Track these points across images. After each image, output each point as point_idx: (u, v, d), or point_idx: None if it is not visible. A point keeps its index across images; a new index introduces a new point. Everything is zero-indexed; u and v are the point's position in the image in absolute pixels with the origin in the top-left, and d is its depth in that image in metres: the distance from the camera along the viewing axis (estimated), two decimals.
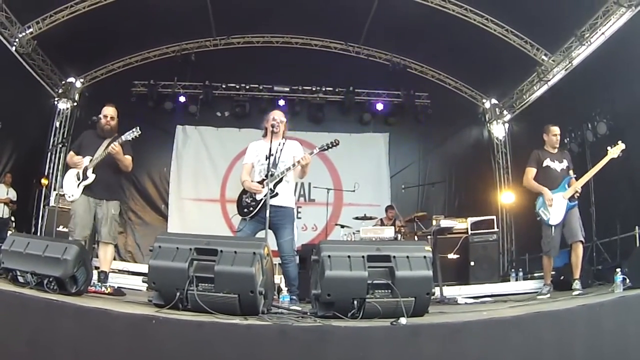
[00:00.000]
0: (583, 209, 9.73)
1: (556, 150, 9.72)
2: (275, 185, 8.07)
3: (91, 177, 8.65)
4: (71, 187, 8.72)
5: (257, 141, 8.70)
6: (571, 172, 9.55)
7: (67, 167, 9.23)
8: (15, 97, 14.25)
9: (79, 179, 8.70)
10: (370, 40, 18.22)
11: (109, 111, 9.24)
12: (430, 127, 18.92)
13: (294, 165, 8.14)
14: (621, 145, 9.34)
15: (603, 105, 13.12)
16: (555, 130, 9.69)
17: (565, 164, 9.59)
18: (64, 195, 8.98)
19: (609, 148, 9.44)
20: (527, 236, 16.90)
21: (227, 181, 17.97)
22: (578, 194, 9.31)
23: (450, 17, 15.27)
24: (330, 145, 8.43)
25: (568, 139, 10.65)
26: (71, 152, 8.89)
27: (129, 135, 8.72)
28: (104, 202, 8.77)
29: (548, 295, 8.87)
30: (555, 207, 9.20)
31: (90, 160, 8.70)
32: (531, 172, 9.54)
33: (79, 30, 14.86)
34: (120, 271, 12.95)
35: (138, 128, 8.74)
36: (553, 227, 9.16)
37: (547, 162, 9.53)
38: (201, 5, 15.62)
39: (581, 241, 9.28)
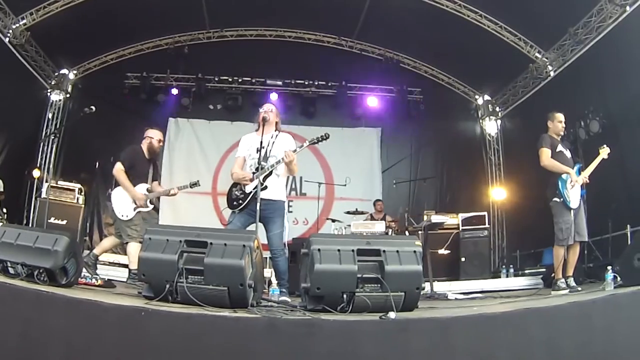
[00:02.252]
0: None
1: (560, 139, 9.60)
2: (264, 179, 8.03)
3: (150, 206, 9.81)
4: (126, 208, 9.54)
5: (250, 134, 8.68)
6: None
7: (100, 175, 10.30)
8: (8, 88, 14.18)
9: (135, 203, 9.57)
10: (363, 35, 18.22)
11: (161, 135, 10.44)
12: (422, 123, 18.95)
13: (282, 159, 8.10)
14: (607, 149, 9.47)
15: (596, 103, 13.17)
16: (561, 117, 9.57)
17: (569, 153, 9.54)
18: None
19: (600, 149, 9.51)
20: (519, 233, 17.01)
21: (219, 174, 17.98)
22: (587, 182, 9.28)
23: (444, 13, 15.28)
24: (321, 139, 8.38)
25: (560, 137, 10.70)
26: (122, 167, 9.62)
27: (187, 188, 10.23)
28: None
29: (568, 290, 8.67)
30: (576, 189, 9.06)
31: (149, 191, 9.83)
32: (548, 152, 9.23)
33: (72, 22, 14.86)
34: (111, 263, 12.97)
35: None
36: (572, 211, 8.95)
37: (560, 147, 9.39)
38: None
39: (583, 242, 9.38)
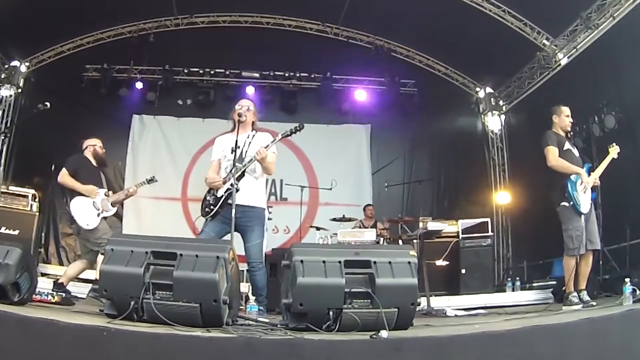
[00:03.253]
0: None
1: (567, 136, 9.56)
2: (237, 179, 8.04)
3: (113, 210, 10.24)
4: (89, 216, 9.72)
5: (224, 135, 8.69)
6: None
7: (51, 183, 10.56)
8: None
9: (97, 209, 9.82)
10: (350, 21, 18.15)
11: (100, 142, 10.68)
12: (417, 119, 18.96)
13: (254, 157, 8.09)
14: (616, 148, 9.44)
15: (611, 96, 13.20)
16: (567, 110, 9.52)
17: (577, 151, 9.46)
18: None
19: (609, 147, 9.49)
20: (526, 241, 16.99)
21: (190, 177, 17.94)
22: (598, 184, 9.24)
23: None
24: (294, 131, 8.46)
25: (572, 133, 10.51)
26: (66, 172, 9.84)
27: (145, 184, 10.91)
28: None
29: (581, 305, 8.55)
30: (587, 193, 8.98)
31: (107, 195, 10.12)
32: (555, 150, 9.11)
33: (24, 9, 14.64)
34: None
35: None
36: (583, 217, 8.81)
37: (567, 145, 9.31)
38: None
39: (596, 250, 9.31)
